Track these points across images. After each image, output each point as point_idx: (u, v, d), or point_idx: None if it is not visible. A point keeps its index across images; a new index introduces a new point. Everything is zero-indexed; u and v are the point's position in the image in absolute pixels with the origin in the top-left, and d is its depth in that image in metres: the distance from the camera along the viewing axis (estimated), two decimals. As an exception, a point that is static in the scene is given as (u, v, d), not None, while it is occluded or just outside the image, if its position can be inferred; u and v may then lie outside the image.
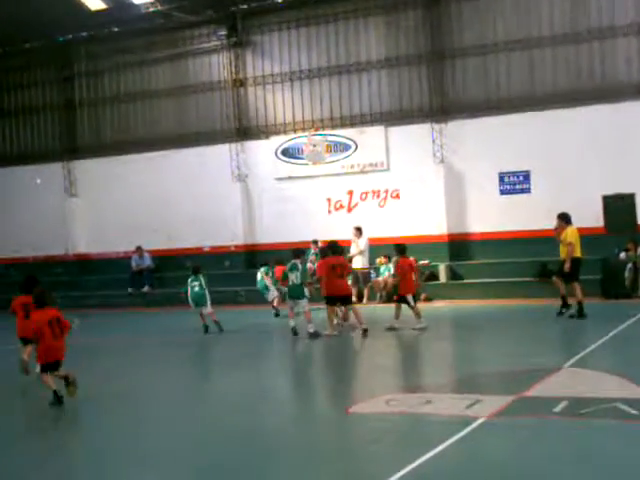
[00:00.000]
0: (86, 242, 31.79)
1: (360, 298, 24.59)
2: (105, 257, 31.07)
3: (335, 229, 27.27)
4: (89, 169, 31.70)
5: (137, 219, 30.17)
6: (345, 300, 18.87)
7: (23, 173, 32.56)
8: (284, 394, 13.00)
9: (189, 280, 20.67)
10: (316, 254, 25.99)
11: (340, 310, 19.67)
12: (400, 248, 19.43)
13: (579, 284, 18.67)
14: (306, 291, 19.00)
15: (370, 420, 10.53)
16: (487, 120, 25.84)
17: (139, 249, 29.49)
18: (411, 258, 20.31)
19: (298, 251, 19.58)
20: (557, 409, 10.11)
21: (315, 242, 26.65)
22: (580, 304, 18.61)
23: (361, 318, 18.32)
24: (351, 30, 27.84)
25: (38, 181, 32.31)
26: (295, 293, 18.70)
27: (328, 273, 18.38)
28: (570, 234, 18.86)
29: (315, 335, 18.12)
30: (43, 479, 8.91)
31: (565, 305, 18.99)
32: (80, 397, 12.42)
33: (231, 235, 29.04)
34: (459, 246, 26.22)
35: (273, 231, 28.52)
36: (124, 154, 30.96)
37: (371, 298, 25.26)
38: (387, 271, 25.21)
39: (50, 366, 12.32)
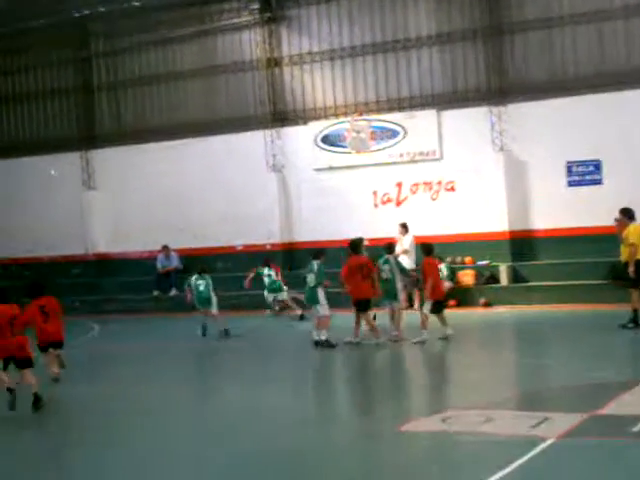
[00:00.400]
0: (106, 240, 32.12)
1: (411, 303, 24.56)
2: (128, 257, 31.37)
3: (382, 225, 27.32)
4: (109, 159, 32.00)
5: (163, 215, 30.41)
6: (365, 305, 19.01)
7: (37, 164, 32.90)
8: (328, 411, 13.14)
9: (193, 278, 22.09)
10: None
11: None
12: (427, 248, 19.59)
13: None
14: (321, 294, 18.97)
15: (425, 439, 10.66)
16: (552, 102, 25.67)
17: (165, 248, 29.76)
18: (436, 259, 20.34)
19: (318, 251, 20.05)
20: (636, 429, 10.14)
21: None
22: (635, 312, 18.44)
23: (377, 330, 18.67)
24: (398, 2, 27.83)
25: (53, 172, 32.68)
26: (309, 298, 19.07)
27: (354, 275, 18.69)
28: (633, 232, 18.67)
29: (326, 344, 18.39)
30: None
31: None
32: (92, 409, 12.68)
33: (266, 232, 29.20)
34: (522, 244, 26.11)
35: (313, 227, 28.59)
36: (147, 142, 31.17)
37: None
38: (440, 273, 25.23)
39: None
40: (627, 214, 19.12)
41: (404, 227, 25.34)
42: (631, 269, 18.53)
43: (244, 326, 23.19)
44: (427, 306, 18.84)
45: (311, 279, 18.88)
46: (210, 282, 22.17)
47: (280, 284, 25.62)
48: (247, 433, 11.60)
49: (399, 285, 19.43)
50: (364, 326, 19.11)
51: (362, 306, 18.95)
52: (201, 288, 21.93)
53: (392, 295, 19.24)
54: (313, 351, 18.48)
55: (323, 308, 18.79)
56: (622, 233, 18.84)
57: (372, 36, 28.21)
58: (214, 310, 21.95)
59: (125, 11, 31.11)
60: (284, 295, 25.51)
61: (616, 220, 19.36)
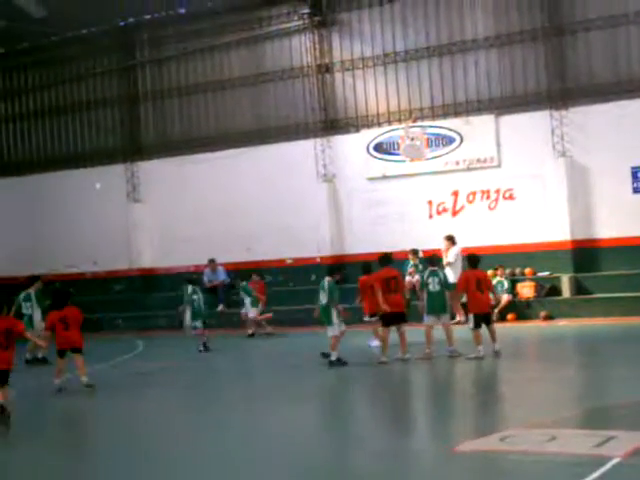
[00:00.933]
0: (151, 255, 32.14)
1: (452, 317, 23.89)
2: (173, 272, 31.31)
3: (437, 236, 27.00)
4: (154, 171, 32.09)
5: (209, 227, 30.38)
6: (399, 318, 18.71)
7: (80, 177, 33.12)
8: (375, 429, 12.86)
9: (189, 291, 22.78)
10: (416, 265, 25.84)
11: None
12: (470, 259, 19.28)
13: None
14: (334, 315, 18.60)
15: (482, 460, 10.32)
16: (616, 105, 25.34)
17: (212, 262, 29.65)
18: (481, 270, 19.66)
19: (334, 268, 20.28)
20: None
21: (415, 252, 26.41)
22: None
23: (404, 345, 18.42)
24: (454, 3, 27.62)
25: (97, 186, 32.78)
26: (322, 316, 18.87)
27: (382, 288, 18.53)
28: None
29: (337, 363, 18.28)
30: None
31: None
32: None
33: (316, 244, 28.98)
34: (585, 254, 25.72)
35: (365, 239, 28.35)
36: (194, 153, 31.26)
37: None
38: (500, 285, 24.85)
39: None
40: None
41: (450, 240, 25.06)
42: None
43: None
44: (470, 322, 18.52)
45: (323, 297, 18.66)
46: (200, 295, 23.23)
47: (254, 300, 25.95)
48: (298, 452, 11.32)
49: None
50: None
51: (383, 320, 18.77)
52: (197, 303, 22.73)
53: (441, 308, 18.94)
54: (352, 371, 18.24)
55: (332, 329, 18.48)
56: None
57: (427, 39, 28.05)
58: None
59: (170, 18, 31.29)
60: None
61: None
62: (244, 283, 25.83)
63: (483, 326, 18.17)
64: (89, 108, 33.61)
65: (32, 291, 21.94)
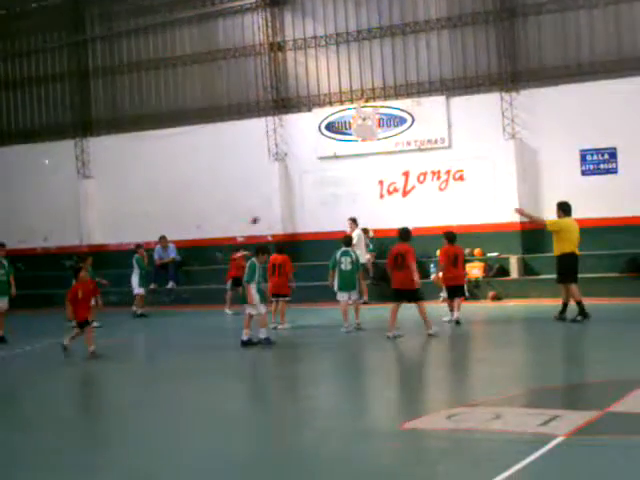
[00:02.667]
0: (102, 231, 31.99)
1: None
2: (124, 248, 31.17)
3: (388, 216, 27.22)
4: (105, 147, 31.90)
5: (160, 204, 30.33)
6: (408, 297, 18.89)
7: (29, 152, 32.83)
8: (329, 406, 12.95)
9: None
10: (367, 244, 26.06)
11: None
12: (450, 236, 20.86)
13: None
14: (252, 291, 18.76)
15: (428, 437, 10.48)
16: (566, 88, 25.55)
17: (163, 239, 29.58)
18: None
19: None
20: (650, 427, 10.00)
21: (365, 231, 26.64)
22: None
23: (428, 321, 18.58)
24: (407, -16, 27.69)
25: (46, 161, 32.59)
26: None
27: (391, 264, 19.00)
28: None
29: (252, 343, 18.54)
30: None
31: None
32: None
33: (267, 223, 29.04)
34: (533, 236, 25.92)
35: (316, 219, 28.49)
36: (145, 130, 31.13)
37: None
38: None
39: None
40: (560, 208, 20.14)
41: (354, 221, 25.61)
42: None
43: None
44: (443, 293, 20.39)
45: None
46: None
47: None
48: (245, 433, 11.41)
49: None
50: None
51: (398, 297, 18.96)
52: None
53: (352, 286, 20.16)
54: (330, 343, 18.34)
55: (252, 307, 18.58)
56: None
57: (379, 19, 28.11)
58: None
59: (122, -7, 30.99)
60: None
61: None
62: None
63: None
64: (39, 83, 33.30)
65: None
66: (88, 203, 32.13)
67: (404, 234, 19.27)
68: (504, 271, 25.62)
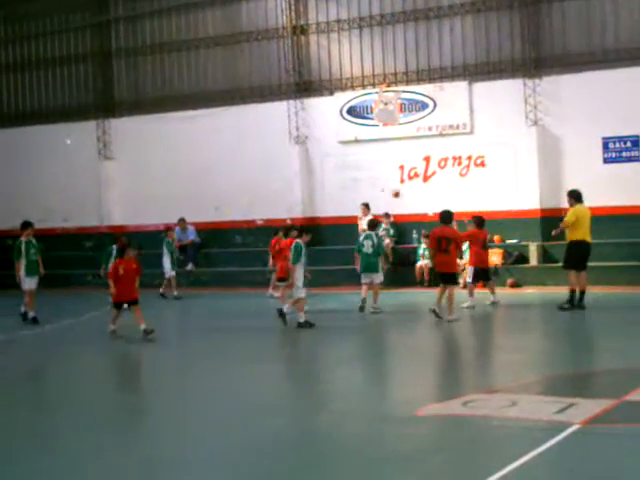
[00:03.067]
0: (122, 212, 32.02)
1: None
2: (143, 230, 31.23)
3: (409, 201, 27.20)
4: (126, 129, 31.89)
5: (181, 187, 30.31)
6: (445, 279, 19.07)
7: (51, 133, 32.82)
8: (344, 390, 12.97)
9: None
10: (387, 229, 26.06)
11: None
12: (476, 220, 21.24)
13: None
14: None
15: (443, 424, 10.49)
16: (589, 75, 25.38)
17: (182, 221, 29.60)
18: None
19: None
20: (666, 416, 9.98)
21: (387, 216, 26.66)
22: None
23: (451, 305, 18.71)
24: (431, -32, 27.57)
25: (68, 142, 32.62)
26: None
27: (435, 247, 19.37)
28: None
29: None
30: None
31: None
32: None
33: (287, 206, 29.02)
34: (554, 223, 25.78)
35: (336, 202, 28.45)
36: (167, 112, 31.07)
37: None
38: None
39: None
40: (572, 196, 20.32)
41: (366, 206, 26.08)
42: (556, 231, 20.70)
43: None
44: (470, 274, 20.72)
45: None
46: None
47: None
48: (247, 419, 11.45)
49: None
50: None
51: (448, 280, 19.15)
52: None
53: (374, 268, 20.44)
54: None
55: (298, 290, 18.61)
56: None
57: (403, 3, 27.95)
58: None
59: (146, -26, 30.97)
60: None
61: None
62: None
63: None
64: (62, 64, 33.28)
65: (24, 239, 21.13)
66: (108, 184, 32.16)
67: (446, 216, 19.57)
68: (523, 258, 25.52)
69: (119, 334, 18.19)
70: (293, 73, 29.36)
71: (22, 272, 20.78)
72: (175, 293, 25.74)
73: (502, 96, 26.44)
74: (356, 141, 28.42)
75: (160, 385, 13.87)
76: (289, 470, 8.88)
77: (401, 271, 26.08)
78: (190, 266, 29.44)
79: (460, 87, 27.01)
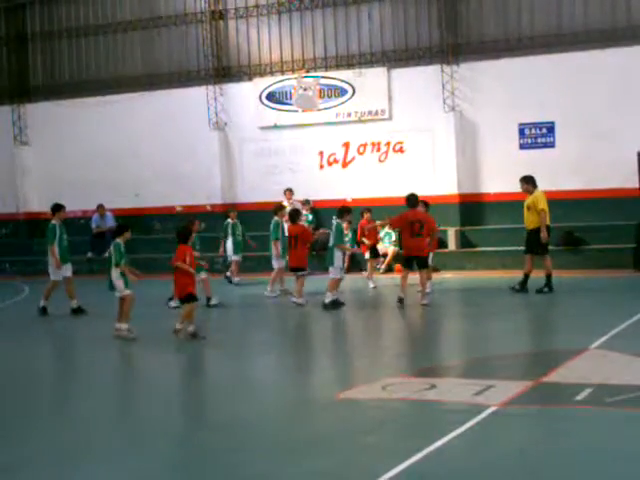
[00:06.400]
0: (39, 199, 31.52)
1: None
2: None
3: (328, 187, 27.26)
4: (42, 113, 31.43)
5: (99, 173, 30.00)
6: (420, 263, 18.96)
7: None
8: (267, 377, 12.99)
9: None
10: (307, 215, 26.07)
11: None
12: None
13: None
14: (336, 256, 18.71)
15: (363, 408, 10.54)
16: (506, 62, 25.71)
17: (100, 208, 29.31)
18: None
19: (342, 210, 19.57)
20: (580, 397, 10.14)
21: (306, 202, 26.68)
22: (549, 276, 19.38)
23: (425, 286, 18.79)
24: (349, -47, 27.59)
25: (-19, 127, 32.07)
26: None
27: (405, 230, 18.92)
28: (541, 199, 19.63)
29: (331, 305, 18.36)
30: None
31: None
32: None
33: (207, 193, 28.90)
34: (471, 208, 26.18)
35: (256, 188, 28.41)
36: (84, 97, 30.70)
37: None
38: (387, 237, 25.19)
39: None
40: (531, 181, 19.93)
41: (290, 192, 26.58)
42: (544, 234, 19.34)
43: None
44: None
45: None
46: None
47: None
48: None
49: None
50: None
51: (409, 263, 18.96)
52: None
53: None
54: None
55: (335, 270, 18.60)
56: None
57: (321, -11, 27.91)
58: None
59: (61, -44, 30.50)
60: None
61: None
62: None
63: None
64: (-25, 48, 32.73)
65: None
66: (25, 170, 31.69)
67: (413, 200, 19.26)
68: (442, 243, 25.69)
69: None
70: (212, 58, 29.21)
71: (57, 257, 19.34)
72: (235, 279, 24.12)
73: (420, 82, 26.65)
74: (275, 127, 28.39)
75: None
76: (209, 454, 8.88)
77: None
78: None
79: (379, 73, 27.12)
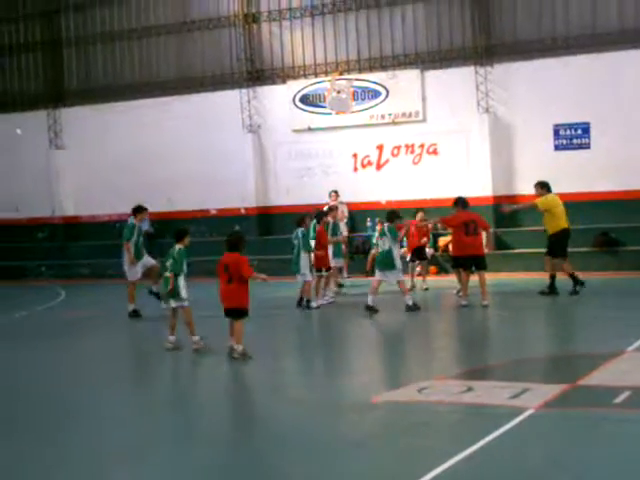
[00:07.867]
0: (74, 203, 31.81)
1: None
2: (96, 220, 31.14)
3: (362, 189, 27.28)
4: (78, 118, 31.63)
5: (133, 176, 30.13)
6: (478, 263, 18.90)
7: (2, 122, 32.53)
8: (301, 379, 13.03)
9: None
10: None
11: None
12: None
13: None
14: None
15: (399, 411, 10.54)
16: (540, 63, 25.60)
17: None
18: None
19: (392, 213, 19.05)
20: (618, 400, 10.10)
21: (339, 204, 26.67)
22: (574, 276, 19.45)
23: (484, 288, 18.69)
24: (383, -45, 27.59)
25: (19, 131, 32.32)
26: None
27: (459, 229, 18.82)
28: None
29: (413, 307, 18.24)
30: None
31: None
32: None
33: (241, 196, 28.98)
34: (507, 210, 26.06)
35: (290, 192, 28.47)
36: (118, 101, 30.91)
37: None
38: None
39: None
40: (546, 187, 19.99)
41: (336, 193, 26.16)
42: (511, 208, 20.80)
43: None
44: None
45: (384, 243, 18.06)
46: None
47: None
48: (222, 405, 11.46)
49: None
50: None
51: (459, 263, 19.04)
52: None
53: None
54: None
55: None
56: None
57: (355, -9, 27.94)
58: None
59: (96, -38, 30.71)
60: None
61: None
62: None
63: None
64: (11, 52, 32.94)
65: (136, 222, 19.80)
66: (60, 174, 31.92)
67: (464, 201, 19.31)
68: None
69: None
70: (245, 62, 29.29)
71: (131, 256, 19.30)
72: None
73: (454, 84, 26.59)
74: (309, 129, 28.43)
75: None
76: (244, 458, 8.91)
77: (357, 260, 26.18)
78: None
79: (412, 75, 27.10)
